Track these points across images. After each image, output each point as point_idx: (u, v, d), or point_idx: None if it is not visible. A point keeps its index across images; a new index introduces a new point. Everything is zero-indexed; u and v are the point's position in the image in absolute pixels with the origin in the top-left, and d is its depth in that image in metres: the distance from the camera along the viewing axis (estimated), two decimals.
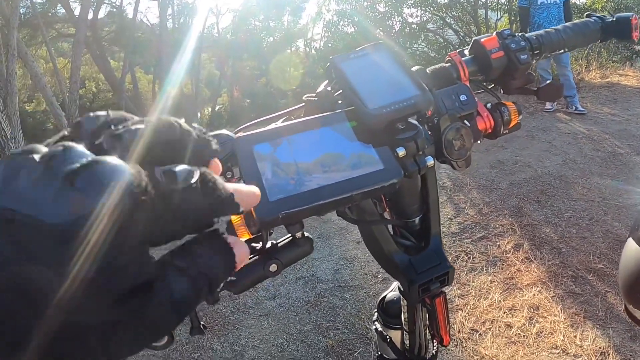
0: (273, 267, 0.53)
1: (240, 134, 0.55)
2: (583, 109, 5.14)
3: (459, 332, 2.18)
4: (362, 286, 2.68)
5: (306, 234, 0.54)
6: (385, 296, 0.94)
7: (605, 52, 7.35)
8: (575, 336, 2.06)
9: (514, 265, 2.66)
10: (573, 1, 5.76)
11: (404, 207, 0.67)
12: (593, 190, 3.40)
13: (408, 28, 7.03)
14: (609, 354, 1.94)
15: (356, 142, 0.52)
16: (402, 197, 0.66)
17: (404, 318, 0.82)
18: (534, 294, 2.39)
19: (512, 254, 2.78)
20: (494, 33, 0.74)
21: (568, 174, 3.71)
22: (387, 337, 0.91)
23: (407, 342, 0.87)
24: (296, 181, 0.48)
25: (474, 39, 0.75)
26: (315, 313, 2.50)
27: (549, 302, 2.31)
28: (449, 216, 3.24)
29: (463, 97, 0.65)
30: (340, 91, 0.62)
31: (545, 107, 5.30)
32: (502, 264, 2.70)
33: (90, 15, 12.62)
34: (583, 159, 3.96)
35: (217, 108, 22.89)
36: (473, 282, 2.56)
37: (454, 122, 0.62)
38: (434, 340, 0.83)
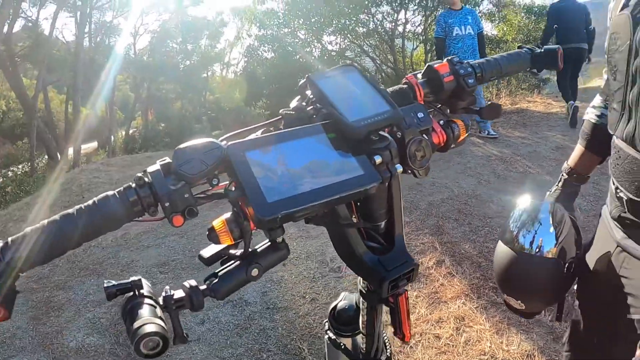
0: (254, 272, 0.59)
1: (225, 142, 0.59)
2: (495, 133, 5.53)
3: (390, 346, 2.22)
4: (290, 307, 2.64)
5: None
6: (335, 306, 0.95)
7: (514, 81, 8.02)
8: (501, 342, 2.14)
9: (438, 280, 2.74)
10: (485, 32, 6.22)
11: (372, 211, 0.72)
12: (507, 208, 3.63)
13: (327, 55, 7.30)
14: (534, 356, 2.02)
15: (336, 151, 0.60)
16: (372, 202, 0.71)
17: (362, 321, 0.84)
18: (459, 306, 2.46)
19: (434, 269, 2.86)
20: (444, 60, 0.82)
21: (483, 193, 3.93)
22: (342, 344, 0.92)
23: (363, 345, 0.88)
24: (289, 185, 0.54)
25: (427, 64, 0.82)
26: (246, 336, 2.41)
27: (473, 312, 2.37)
28: None
29: (420, 115, 0.72)
30: (313, 106, 0.68)
31: None
32: (426, 280, 2.78)
33: (4, 29, 11.78)
34: (496, 179, 4.23)
35: (131, 131, 22.04)
36: None
37: (416, 135, 0.69)
38: (386, 344, 0.90)
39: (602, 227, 1.11)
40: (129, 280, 0.56)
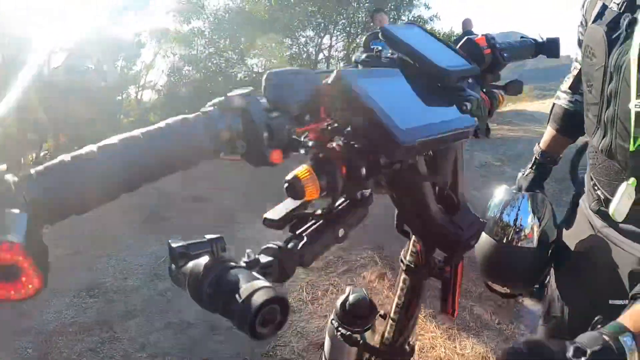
0: (341, 232, 0.55)
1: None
2: None
3: None
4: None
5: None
6: (345, 301, 0.87)
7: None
8: (454, 347, 2.16)
9: (382, 293, 2.73)
10: None
11: (442, 169, 0.69)
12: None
13: (253, 76, 7.26)
14: (489, 357, 2.08)
15: (426, 94, 0.59)
16: (444, 158, 0.68)
17: (397, 304, 0.80)
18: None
19: (377, 283, 2.85)
20: (480, 34, 0.84)
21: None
22: (359, 339, 0.85)
23: (387, 335, 0.83)
24: (412, 115, 0.52)
25: (467, 37, 0.82)
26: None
27: (423, 321, 2.39)
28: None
29: (470, 80, 0.72)
30: (384, 56, 0.67)
31: None
32: (370, 293, 2.69)
33: None
34: None
35: (42, 154, 20.60)
36: None
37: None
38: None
39: (580, 215, 1.15)
40: (205, 238, 0.42)
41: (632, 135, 0.88)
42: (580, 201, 1.17)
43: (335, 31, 7.42)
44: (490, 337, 2.22)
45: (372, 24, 5.90)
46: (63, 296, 2.84)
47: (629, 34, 0.90)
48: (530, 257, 1.16)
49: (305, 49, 7.32)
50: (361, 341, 0.85)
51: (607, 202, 1.01)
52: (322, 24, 7.17)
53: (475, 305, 2.48)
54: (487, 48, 0.81)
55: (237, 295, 0.37)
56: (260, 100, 0.45)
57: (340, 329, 0.86)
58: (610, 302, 1.05)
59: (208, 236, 0.42)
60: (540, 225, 1.16)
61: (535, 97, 16.46)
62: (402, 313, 0.79)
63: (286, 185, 0.47)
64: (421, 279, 0.77)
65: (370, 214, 2.38)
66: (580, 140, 1.38)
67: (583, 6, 1.10)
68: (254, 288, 0.37)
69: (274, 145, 0.44)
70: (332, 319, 0.89)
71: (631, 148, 0.90)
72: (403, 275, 0.78)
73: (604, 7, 0.99)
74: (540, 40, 0.95)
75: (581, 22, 1.11)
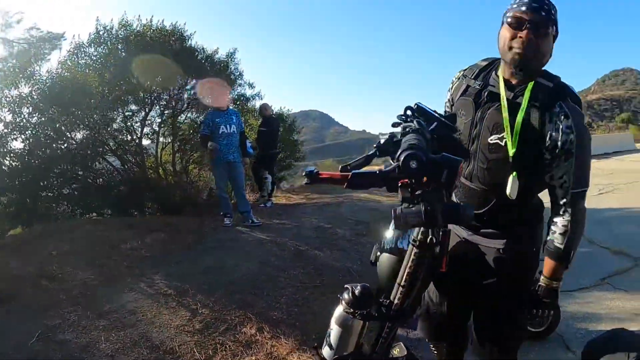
0: None
1: None
2: (258, 221, 6.10)
3: None
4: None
5: None
6: (352, 291, 1.18)
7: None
8: None
9: (267, 343, 2.94)
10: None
11: None
12: (292, 279, 4.09)
13: (79, 152, 6.95)
14: None
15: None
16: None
17: (407, 272, 1.16)
18: (298, 357, 2.71)
19: (259, 335, 3.04)
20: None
21: (269, 270, 4.32)
22: (374, 313, 1.17)
23: (397, 301, 1.11)
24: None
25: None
26: None
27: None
28: (187, 317, 3.25)
29: None
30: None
31: (225, 223, 5.99)
32: (257, 345, 2.93)
33: None
34: (276, 258, 4.70)
35: None
36: None
37: None
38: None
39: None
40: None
41: (510, 146, 1.50)
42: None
43: (158, 107, 7.55)
44: None
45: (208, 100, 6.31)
46: None
47: (488, 100, 1.58)
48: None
49: (130, 123, 7.26)
50: (377, 313, 1.18)
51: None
52: (149, 99, 7.26)
53: None
54: None
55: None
56: None
57: (355, 315, 1.19)
58: (484, 282, 1.60)
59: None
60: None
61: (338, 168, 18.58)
62: (410, 280, 1.15)
63: None
64: (426, 252, 1.13)
65: (228, 279, 2.85)
66: None
67: (450, 90, 1.78)
68: None
69: None
70: (344, 309, 1.20)
71: (511, 154, 1.50)
72: (414, 250, 1.15)
73: (467, 87, 1.67)
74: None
75: (449, 100, 1.79)
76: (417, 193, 1.05)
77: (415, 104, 1.21)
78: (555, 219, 1.56)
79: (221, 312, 3.37)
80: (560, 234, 1.53)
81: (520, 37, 1.47)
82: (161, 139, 7.67)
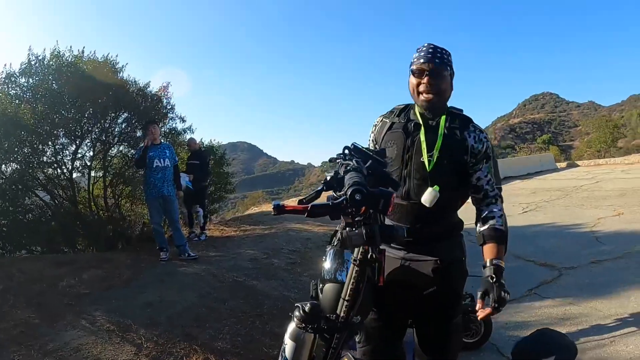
0: None
1: None
2: (194, 254, 6.20)
3: None
4: None
5: None
6: (302, 308, 1.45)
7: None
8: None
9: None
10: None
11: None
12: (233, 309, 4.29)
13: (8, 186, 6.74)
14: None
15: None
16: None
17: (351, 289, 1.44)
18: None
19: None
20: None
21: (210, 302, 4.48)
22: (323, 325, 1.44)
23: (343, 313, 1.42)
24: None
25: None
26: None
27: None
28: (133, 352, 3.34)
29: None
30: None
31: (161, 257, 6.05)
32: None
33: None
34: (215, 290, 4.87)
35: None
36: None
37: None
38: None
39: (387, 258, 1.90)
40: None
41: (427, 167, 1.88)
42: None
43: (87, 141, 7.45)
44: None
45: (145, 132, 6.37)
46: None
47: (415, 129, 1.97)
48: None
49: (60, 156, 7.13)
50: (324, 325, 1.46)
51: (408, 230, 1.80)
52: (79, 132, 7.18)
53: None
54: None
55: None
56: None
57: (307, 329, 1.45)
58: (425, 293, 1.92)
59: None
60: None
61: (269, 199, 18.81)
62: (352, 295, 1.43)
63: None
64: (365, 269, 1.42)
65: (168, 314, 3.18)
66: None
67: (373, 133, 2.16)
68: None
69: None
70: (296, 325, 1.47)
71: (429, 169, 1.89)
72: (355, 268, 1.43)
73: (393, 123, 2.06)
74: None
75: (372, 140, 2.16)
76: (357, 219, 1.36)
77: (352, 144, 1.55)
78: (490, 208, 1.96)
79: (166, 345, 3.49)
80: (499, 217, 1.94)
81: (424, 83, 1.90)
82: (92, 173, 7.53)
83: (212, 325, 3.94)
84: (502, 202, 2.02)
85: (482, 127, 1.98)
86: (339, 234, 1.47)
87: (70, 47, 7.10)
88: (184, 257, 6.13)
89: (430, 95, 1.91)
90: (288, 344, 1.49)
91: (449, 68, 1.94)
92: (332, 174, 1.47)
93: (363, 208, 1.34)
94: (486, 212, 1.97)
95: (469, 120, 1.99)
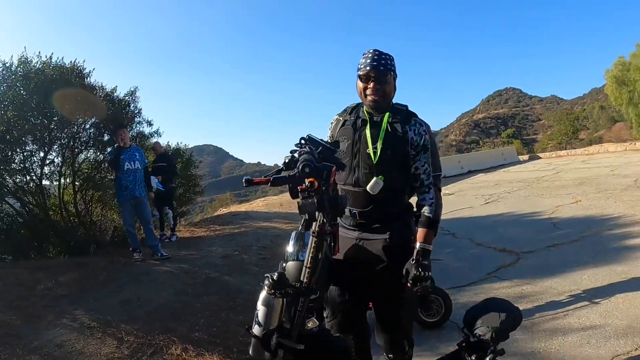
0: None
1: None
2: (167, 254, 6.39)
3: None
4: None
5: None
6: (272, 277, 1.71)
7: None
8: None
9: (195, 357, 3.38)
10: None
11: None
12: (208, 303, 4.53)
13: None
14: None
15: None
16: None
17: (311, 257, 1.71)
18: None
19: (185, 355, 3.44)
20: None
21: (185, 298, 4.72)
22: (289, 291, 1.71)
23: (305, 280, 1.71)
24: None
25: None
26: None
27: None
28: (115, 345, 3.54)
29: None
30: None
31: (135, 258, 6.22)
32: None
33: None
34: (189, 287, 5.10)
35: None
36: None
37: None
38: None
39: (342, 237, 2.19)
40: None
41: (373, 158, 2.17)
42: (340, 230, 2.11)
43: (55, 147, 7.47)
44: None
45: (115, 136, 6.53)
46: None
47: (362, 125, 2.24)
48: (323, 269, 1.86)
49: (29, 163, 7.16)
50: (292, 291, 1.70)
51: (360, 214, 2.20)
52: (47, 138, 7.22)
53: None
54: None
55: None
56: None
57: (277, 293, 1.69)
58: (377, 268, 2.20)
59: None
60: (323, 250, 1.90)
61: (241, 201, 18.87)
62: (313, 263, 1.69)
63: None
64: (323, 240, 1.69)
65: (147, 310, 3.54)
66: None
67: (330, 129, 2.43)
68: None
69: None
70: (267, 292, 1.70)
71: (374, 160, 2.17)
72: (314, 239, 1.69)
73: (345, 121, 2.33)
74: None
75: (330, 136, 2.41)
76: (311, 193, 1.62)
77: (307, 135, 1.87)
78: (424, 196, 2.21)
79: (146, 337, 3.70)
80: (428, 206, 2.19)
81: (370, 87, 2.16)
82: (62, 180, 7.58)
83: (189, 318, 4.17)
84: (437, 190, 2.25)
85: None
86: (297, 204, 1.72)
87: (39, 52, 7.17)
88: (157, 257, 6.31)
89: (375, 97, 2.17)
90: (260, 310, 1.73)
91: (392, 72, 2.19)
92: (290, 156, 1.78)
93: (316, 183, 1.62)
94: (420, 200, 2.23)
95: (411, 115, 2.25)
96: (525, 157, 25.38)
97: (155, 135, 9.18)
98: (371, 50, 2.19)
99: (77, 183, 7.89)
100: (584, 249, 5.65)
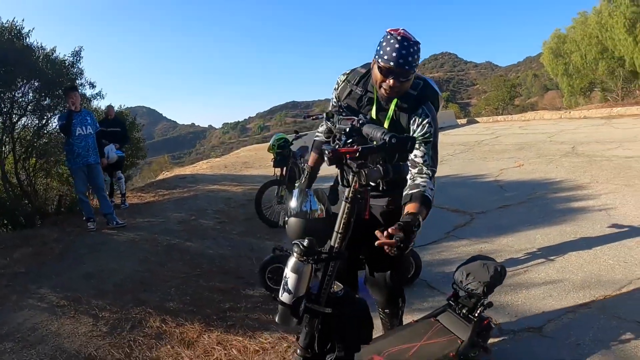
0: None
1: None
2: (123, 222, 6.25)
3: None
4: None
5: None
6: (301, 244, 1.67)
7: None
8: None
9: (176, 331, 3.37)
10: None
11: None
12: (174, 271, 4.55)
13: None
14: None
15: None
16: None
17: (343, 222, 1.72)
18: (208, 336, 3.28)
19: (165, 326, 3.44)
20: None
21: (150, 267, 4.69)
22: (321, 257, 1.73)
23: (336, 245, 1.73)
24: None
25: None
26: None
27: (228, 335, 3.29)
28: (91, 323, 3.45)
29: None
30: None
31: (89, 227, 6.04)
32: (166, 335, 3.33)
33: None
34: (152, 255, 5.07)
35: None
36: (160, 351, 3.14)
37: None
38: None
39: (340, 194, 2.29)
40: None
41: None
42: (339, 189, 2.32)
43: None
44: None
45: (65, 99, 6.22)
46: None
47: (368, 104, 2.19)
48: (323, 224, 1.93)
49: None
50: (323, 256, 1.70)
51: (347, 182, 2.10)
52: None
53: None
54: None
55: None
56: None
57: (307, 259, 1.65)
58: (376, 232, 2.07)
59: None
60: (324, 206, 2.02)
61: (176, 164, 18.15)
62: (344, 228, 1.70)
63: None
64: (354, 205, 1.68)
65: (115, 280, 3.73)
66: None
67: (336, 89, 2.34)
68: None
69: None
70: (297, 259, 1.65)
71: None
72: (347, 205, 1.69)
73: (351, 91, 2.24)
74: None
75: (335, 97, 2.33)
76: (361, 162, 1.64)
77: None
78: (424, 178, 2.00)
79: (121, 312, 3.65)
80: (430, 188, 1.98)
81: (388, 83, 1.98)
82: (2, 148, 7.04)
83: (159, 288, 4.16)
84: (434, 183, 2.09)
85: None
86: (354, 174, 1.70)
87: None
88: (112, 226, 6.15)
89: (391, 93, 2.05)
90: (290, 277, 1.67)
91: (415, 69, 1.99)
92: (349, 126, 1.81)
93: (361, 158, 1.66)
94: (419, 181, 2.02)
95: (420, 102, 2.11)
96: (464, 120, 25.67)
97: (98, 97, 8.72)
98: (399, 37, 1.92)
99: (18, 152, 7.40)
100: (533, 210, 5.94)
